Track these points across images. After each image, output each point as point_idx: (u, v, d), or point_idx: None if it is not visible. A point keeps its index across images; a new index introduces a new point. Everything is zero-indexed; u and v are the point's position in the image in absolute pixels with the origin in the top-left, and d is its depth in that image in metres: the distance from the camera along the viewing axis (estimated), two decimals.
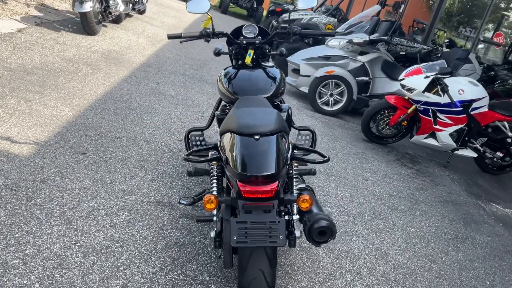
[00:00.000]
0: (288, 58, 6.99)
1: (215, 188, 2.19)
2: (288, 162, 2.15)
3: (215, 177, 2.23)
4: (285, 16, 8.57)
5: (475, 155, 5.48)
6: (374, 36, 6.78)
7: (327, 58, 6.54)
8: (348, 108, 6.50)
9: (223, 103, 3.19)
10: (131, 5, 8.47)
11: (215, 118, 3.20)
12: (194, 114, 4.84)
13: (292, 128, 3.22)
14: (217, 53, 3.14)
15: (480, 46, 11.62)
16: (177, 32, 2.91)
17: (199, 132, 3.32)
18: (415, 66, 5.51)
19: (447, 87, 5.11)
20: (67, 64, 5.19)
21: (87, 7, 6.28)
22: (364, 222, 3.51)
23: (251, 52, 3.07)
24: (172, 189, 3.19)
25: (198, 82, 6.14)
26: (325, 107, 6.47)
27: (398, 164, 5.21)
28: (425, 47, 8.36)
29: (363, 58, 6.54)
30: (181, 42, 3.05)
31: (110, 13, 7.03)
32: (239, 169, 1.99)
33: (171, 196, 3.10)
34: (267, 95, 2.79)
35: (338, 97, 6.43)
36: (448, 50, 8.53)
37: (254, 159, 2.01)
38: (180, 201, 2.82)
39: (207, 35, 3.01)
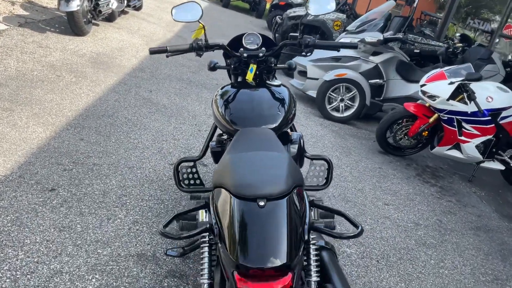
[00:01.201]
0: (294, 59, 6.33)
1: (206, 275, 1.58)
2: (306, 238, 1.54)
3: (207, 258, 1.61)
4: (290, 12, 7.90)
5: (503, 167, 4.85)
6: (388, 35, 6.12)
7: (337, 59, 5.89)
8: (360, 114, 5.86)
9: (219, 131, 2.57)
10: (125, 1, 7.81)
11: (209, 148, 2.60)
12: (190, 128, 4.22)
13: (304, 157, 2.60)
14: (213, 67, 2.54)
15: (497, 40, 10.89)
16: (162, 46, 2.27)
17: (191, 163, 2.71)
18: (437, 70, 4.86)
19: (474, 94, 4.47)
20: (47, 71, 4.57)
21: (74, 5, 5.64)
22: (390, 265, 2.90)
23: (253, 67, 2.46)
24: (157, 234, 2.58)
25: (196, 88, 5.51)
26: (335, 113, 5.84)
27: (420, 180, 4.58)
28: (441, 44, 7.69)
29: (377, 59, 5.89)
30: (167, 57, 2.42)
31: (100, 11, 6.38)
32: (235, 255, 1.37)
33: (157, 244, 2.50)
34: (273, 126, 2.17)
35: (349, 103, 5.79)
36: (461, 45, 7.85)
37: (258, 240, 1.39)
38: (167, 253, 2.20)
39: (199, 48, 2.40)
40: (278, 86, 2.43)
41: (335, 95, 5.75)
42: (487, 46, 10.54)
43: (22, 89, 3.96)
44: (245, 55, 2.45)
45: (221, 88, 2.48)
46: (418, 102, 5.76)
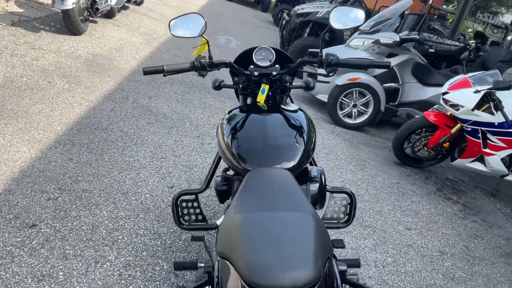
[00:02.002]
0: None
1: None
2: None
3: None
4: (298, 8, 7.47)
5: None
6: (404, 35, 5.71)
7: None
8: (375, 120, 5.46)
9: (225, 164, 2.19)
10: None
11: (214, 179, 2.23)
12: (192, 142, 3.84)
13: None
14: (217, 86, 2.18)
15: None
16: (158, 66, 1.88)
17: (193, 196, 2.34)
18: (461, 77, 4.45)
19: (501, 103, 4.07)
20: (38, 77, 4.19)
21: (69, 3, 5.24)
22: None
23: (265, 87, 2.09)
24: (153, 281, 2.21)
25: (199, 93, 5.12)
26: (347, 120, 5.44)
27: (441, 197, 4.19)
28: (457, 43, 7.26)
29: (392, 61, 5.47)
30: (164, 76, 2.03)
31: (97, 9, 5.98)
32: None
33: None
34: (291, 165, 1.79)
35: (363, 108, 5.39)
36: (475, 42, 7.43)
37: None
38: None
39: (202, 67, 2.02)
40: (295, 111, 2.05)
41: (347, 100, 5.35)
42: (501, 43, 10.08)
43: (8, 99, 3.59)
44: (255, 74, 2.07)
45: (228, 113, 2.10)
46: (435, 107, 5.39)
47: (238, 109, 2.12)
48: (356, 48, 5.70)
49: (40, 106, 3.65)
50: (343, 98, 5.32)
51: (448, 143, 4.49)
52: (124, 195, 2.84)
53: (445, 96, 4.33)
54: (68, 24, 5.62)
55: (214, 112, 4.68)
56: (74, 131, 3.44)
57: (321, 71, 2.39)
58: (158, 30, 7.60)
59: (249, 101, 2.28)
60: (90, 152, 3.21)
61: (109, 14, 7.14)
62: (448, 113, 4.46)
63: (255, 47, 2.21)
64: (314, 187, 1.97)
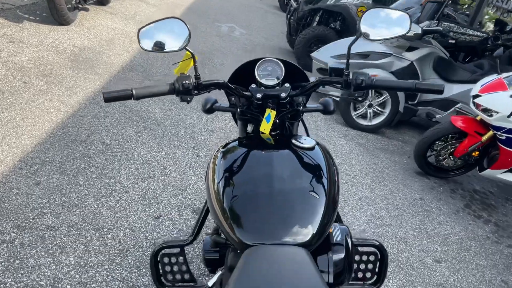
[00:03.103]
0: (313, 54, 5.34)
1: None
2: None
3: None
4: None
5: None
6: (426, 26, 5.10)
7: (365, 56, 4.88)
8: (392, 122, 4.89)
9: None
10: None
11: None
12: (186, 154, 3.30)
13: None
14: (209, 109, 1.70)
15: None
16: (125, 89, 1.30)
17: (178, 249, 1.81)
18: (494, 77, 3.87)
19: None
20: (13, 77, 3.64)
21: None
22: None
23: (271, 113, 1.56)
24: None
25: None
26: (362, 121, 4.87)
27: (470, 215, 3.65)
28: (479, 34, 6.62)
29: (412, 56, 4.88)
30: (134, 99, 1.47)
31: None
32: None
33: None
34: (307, 237, 1.25)
35: (379, 109, 4.81)
36: (493, 29, 6.77)
37: None
38: None
39: (185, 90, 1.48)
40: (311, 148, 1.49)
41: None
42: None
43: None
44: (258, 96, 1.53)
45: (223, 147, 1.56)
46: (458, 106, 4.83)
47: (235, 142, 1.58)
48: (372, 41, 5.08)
49: (9, 114, 3.11)
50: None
51: (477, 152, 3.92)
52: (98, 231, 2.31)
53: (477, 100, 3.76)
54: (54, 13, 5.04)
55: (213, 115, 4.12)
56: (46, 145, 2.90)
57: (338, 92, 1.83)
58: (155, 17, 6.96)
59: (249, 128, 1.75)
60: (62, 174, 2.68)
61: (103, 1, 6.55)
62: (478, 118, 3.90)
63: (258, 59, 1.67)
64: (338, 256, 1.43)
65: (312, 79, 1.68)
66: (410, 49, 4.94)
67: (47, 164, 2.73)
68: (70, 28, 5.24)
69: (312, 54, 5.34)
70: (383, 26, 1.48)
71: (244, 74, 1.72)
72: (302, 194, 1.32)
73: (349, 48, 1.52)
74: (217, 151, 1.55)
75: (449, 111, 4.92)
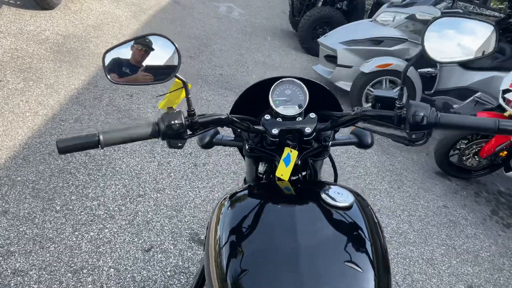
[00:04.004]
0: (320, 40, 4.86)
1: None
2: None
3: None
4: None
5: None
6: (443, 7, 4.60)
7: (377, 41, 4.41)
8: None
9: None
10: None
11: None
12: (182, 163, 2.87)
13: None
14: (208, 143, 1.32)
15: None
16: (90, 134, 0.86)
17: None
18: None
19: None
20: None
21: None
22: None
23: (291, 153, 1.13)
24: None
25: (194, 84, 4.09)
26: None
27: (498, 224, 3.26)
28: (496, 14, 6.11)
29: None
30: (102, 148, 1.02)
31: None
32: None
33: None
34: None
35: None
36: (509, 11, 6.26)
37: None
38: None
39: (175, 132, 1.05)
40: (348, 208, 1.05)
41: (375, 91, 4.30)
42: None
43: None
44: (274, 132, 1.11)
45: (229, 198, 1.15)
46: (477, 95, 4.41)
47: (244, 192, 1.17)
48: (385, 25, 4.61)
49: None
50: (370, 88, 4.28)
51: (505, 152, 3.50)
52: (76, 274, 1.90)
53: (507, 95, 3.31)
54: None
55: (213, 110, 3.65)
56: (18, 160, 2.47)
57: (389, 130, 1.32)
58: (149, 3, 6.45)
59: (261, 168, 1.32)
60: (36, 197, 2.25)
61: None
62: (507, 114, 3.46)
63: (273, 79, 1.23)
64: None
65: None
66: None
67: (18, 185, 2.30)
68: (54, 13, 4.74)
69: (319, 40, 4.85)
70: (456, 42, 1.03)
71: (254, 97, 1.29)
72: (341, 269, 0.92)
73: (404, 73, 1.08)
74: (221, 203, 1.14)
75: (467, 101, 4.49)
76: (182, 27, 5.61)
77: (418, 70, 4.33)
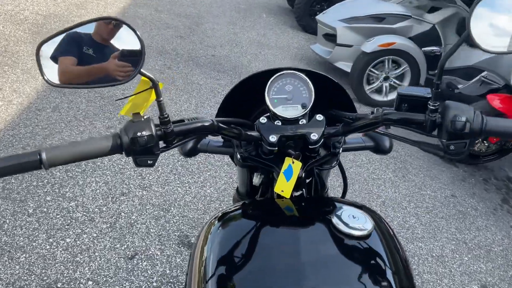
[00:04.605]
0: (318, 17, 4.56)
1: None
2: None
3: None
4: None
5: None
6: None
7: (379, 18, 4.13)
8: None
9: None
10: None
11: None
12: (171, 155, 2.63)
13: None
14: (191, 150, 1.08)
15: None
16: (34, 151, 0.62)
17: None
18: None
19: None
20: None
21: None
22: None
23: (293, 165, 0.89)
24: None
25: (184, 67, 3.82)
26: (376, 97, 4.17)
27: (510, 214, 3.06)
28: None
29: (434, 17, 4.14)
30: (46, 169, 0.76)
31: None
32: None
33: None
34: None
35: (397, 82, 4.11)
36: None
37: None
38: None
39: (144, 147, 0.78)
40: (366, 236, 0.82)
41: (377, 72, 4.04)
42: None
43: None
44: (272, 139, 0.86)
45: (219, 219, 0.92)
46: (483, 75, 4.17)
47: (237, 212, 0.96)
48: (387, 0, 4.32)
49: None
50: (372, 69, 4.01)
51: None
52: None
53: None
54: None
55: (205, 97, 3.41)
56: None
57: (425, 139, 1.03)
58: None
59: (256, 180, 1.10)
60: (6, 199, 2.01)
61: None
62: None
63: (270, 71, 0.98)
64: None
65: (360, 109, 1.01)
66: (432, 10, 4.19)
67: None
68: None
69: (317, 17, 4.56)
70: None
71: (246, 94, 1.04)
72: None
73: (441, 65, 0.83)
74: (211, 223, 0.92)
75: (472, 81, 4.24)
76: (172, 4, 5.29)
77: (422, 49, 4.06)
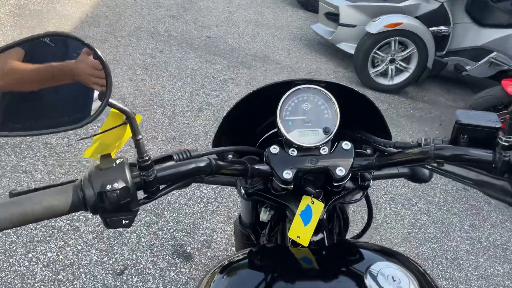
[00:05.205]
0: None
1: None
2: None
3: None
4: None
5: None
6: None
7: None
8: (418, 79, 3.97)
9: None
10: None
11: None
12: (163, 151, 2.42)
13: None
14: (182, 184, 0.68)
15: None
16: None
17: None
18: None
19: None
20: None
21: None
22: None
23: (312, 206, 0.66)
24: None
25: (178, 50, 3.57)
26: (381, 80, 3.94)
27: None
28: None
29: None
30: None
31: None
32: None
33: None
34: None
35: (403, 64, 3.87)
36: None
37: None
38: None
39: (118, 204, 0.54)
40: None
41: (382, 54, 3.80)
42: None
43: None
44: (287, 176, 0.67)
45: (224, 268, 0.71)
46: (493, 56, 3.97)
47: (243, 261, 0.73)
48: None
49: None
50: (377, 51, 3.77)
51: None
52: None
53: None
54: None
55: (200, 84, 3.17)
56: None
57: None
58: None
59: (264, 216, 0.90)
60: None
61: None
62: None
63: (283, 84, 0.74)
64: None
65: (364, 92, 0.80)
66: None
67: None
68: None
69: None
70: None
71: (253, 108, 0.83)
72: None
73: None
74: (212, 273, 0.73)
75: (481, 62, 4.05)
76: None
77: (430, 29, 3.80)
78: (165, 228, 1.94)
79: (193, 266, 1.80)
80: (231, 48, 3.88)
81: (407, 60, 3.84)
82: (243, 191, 0.80)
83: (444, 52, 4.07)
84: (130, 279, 1.69)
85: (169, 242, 1.89)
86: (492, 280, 2.20)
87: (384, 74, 3.90)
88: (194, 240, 1.92)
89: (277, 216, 0.87)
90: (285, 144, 0.74)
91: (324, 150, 0.73)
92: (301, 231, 0.74)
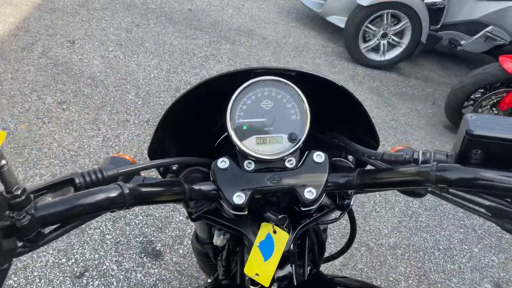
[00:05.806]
0: None
1: None
2: None
3: None
4: None
5: None
6: None
7: None
8: (412, 55, 3.76)
9: None
10: None
11: None
12: (136, 136, 2.22)
13: None
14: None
15: None
16: None
17: None
18: None
19: None
20: None
21: None
22: None
23: (274, 236, 0.47)
24: None
25: (156, 24, 3.32)
26: (373, 56, 3.73)
27: None
28: None
29: None
30: None
31: None
32: None
33: None
34: None
35: (396, 39, 3.65)
36: None
37: None
38: None
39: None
40: None
41: (374, 28, 3.57)
42: None
43: None
44: (239, 200, 0.54)
45: None
46: (489, 29, 3.80)
47: None
48: None
49: None
50: (369, 24, 3.54)
51: None
52: None
53: None
54: None
55: (178, 61, 2.95)
56: None
57: None
58: None
59: (218, 240, 0.69)
60: None
61: None
62: None
63: (235, 73, 0.52)
64: None
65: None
66: None
67: None
68: None
69: None
70: None
71: (201, 104, 0.62)
72: None
73: None
74: None
75: (476, 36, 3.86)
76: None
77: (424, 1, 3.58)
78: (133, 223, 1.76)
79: (163, 265, 1.63)
80: (213, 22, 3.64)
81: (400, 34, 3.62)
82: (187, 214, 0.62)
83: (438, 26, 3.85)
84: (91, 283, 1.51)
85: (137, 239, 1.71)
86: (487, 272, 2.06)
87: (375, 49, 3.69)
88: (165, 236, 1.74)
89: (235, 239, 0.69)
90: (239, 155, 0.55)
91: (290, 163, 0.55)
92: (261, 267, 0.57)
